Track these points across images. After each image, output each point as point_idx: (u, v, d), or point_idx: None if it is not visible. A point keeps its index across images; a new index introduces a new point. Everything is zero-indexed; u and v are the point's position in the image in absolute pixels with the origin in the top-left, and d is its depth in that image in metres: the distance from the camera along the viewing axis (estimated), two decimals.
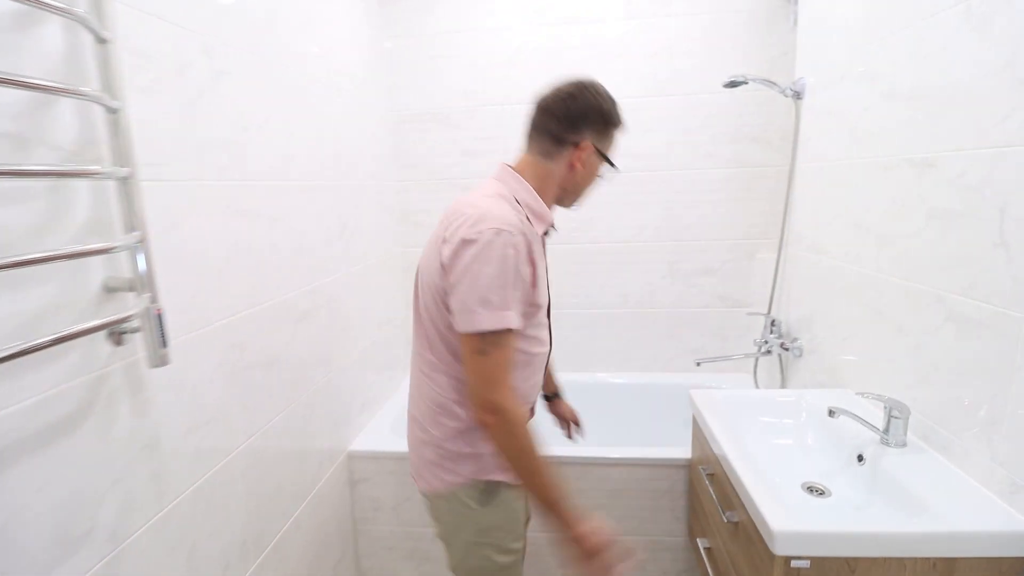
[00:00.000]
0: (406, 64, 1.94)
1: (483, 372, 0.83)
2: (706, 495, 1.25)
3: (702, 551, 1.25)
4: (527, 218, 0.89)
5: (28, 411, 0.64)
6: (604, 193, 1.92)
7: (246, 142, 1.08)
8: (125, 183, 0.71)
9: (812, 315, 1.54)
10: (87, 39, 0.70)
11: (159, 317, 0.75)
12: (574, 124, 0.90)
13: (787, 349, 1.62)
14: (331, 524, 1.47)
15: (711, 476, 1.21)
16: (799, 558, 0.85)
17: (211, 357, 0.98)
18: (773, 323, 1.68)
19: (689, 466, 1.45)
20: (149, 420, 0.83)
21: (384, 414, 1.81)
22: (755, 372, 1.84)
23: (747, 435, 1.22)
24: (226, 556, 1.02)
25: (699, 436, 1.33)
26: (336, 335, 1.49)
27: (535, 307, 0.91)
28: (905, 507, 0.93)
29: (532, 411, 1.03)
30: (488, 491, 0.96)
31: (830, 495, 1.09)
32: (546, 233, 0.96)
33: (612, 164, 0.96)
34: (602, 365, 2.06)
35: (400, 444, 1.59)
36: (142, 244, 0.72)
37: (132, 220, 0.72)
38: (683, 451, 1.46)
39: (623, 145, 1.86)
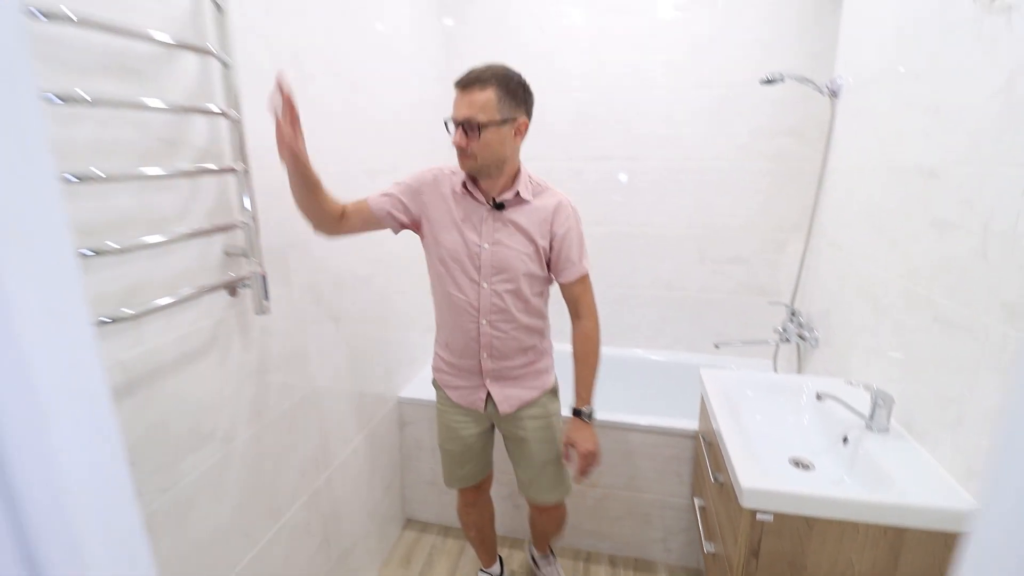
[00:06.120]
0: (460, 43, 2.08)
1: None
2: (702, 460, 1.41)
3: (697, 509, 1.42)
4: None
5: (175, 342, 0.90)
6: (642, 181, 2.04)
7: (320, 138, 1.30)
8: (244, 176, 0.93)
9: (830, 308, 1.62)
10: (215, 65, 0.92)
11: (263, 277, 0.99)
12: None
13: (804, 339, 1.71)
14: (383, 456, 1.75)
15: (709, 445, 1.37)
16: (763, 512, 1.00)
17: (295, 311, 1.22)
18: (793, 313, 1.77)
19: (695, 437, 1.60)
20: (252, 356, 1.09)
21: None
22: (775, 359, 1.93)
23: (748, 412, 1.35)
24: (303, 467, 1.29)
25: (704, 410, 1.48)
26: (391, 297, 1.73)
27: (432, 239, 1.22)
28: (874, 482, 1.05)
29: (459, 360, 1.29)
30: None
31: (814, 469, 1.22)
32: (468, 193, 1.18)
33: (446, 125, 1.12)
34: (630, 341, 2.21)
35: None
36: (254, 222, 0.96)
37: (248, 206, 0.95)
38: (692, 423, 1.61)
39: (661, 135, 1.96)
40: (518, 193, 1.16)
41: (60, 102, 0.63)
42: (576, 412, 1.27)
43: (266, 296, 1.01)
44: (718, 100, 1.90)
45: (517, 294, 1.19)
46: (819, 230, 1.71)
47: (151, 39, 0.76)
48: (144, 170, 0.78)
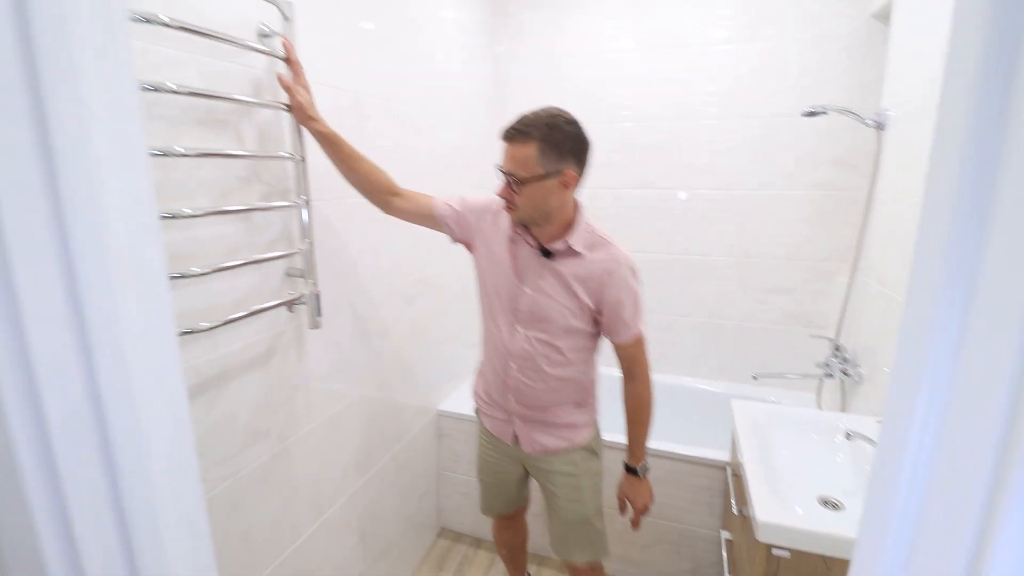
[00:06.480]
0: (510, 73, 2.20)
1: None
2: (728, 492, 1.40)
3: (723, 541, 1.41)
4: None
5: (240, 350, 1.04)
6: (685, 208, 2.06)
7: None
8: (306, 207, 1.07)
9: (876, 344, 1.56)
10: (285, 117, 1.07)
11: (317, 296, 1.12)
12: None
13: (848, 375, 1.66)
14: (420, 465, 1.85)
15: (735, 477, 1.36)
16: (780, 548, 1.00)
17: (344, 327, 1.35)
18: (837, 348, 1.72)
19: (726, 468, 1.59)
20: (305, 365, 1.22)
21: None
22: (819, 393, 1.87)
23: (777, 446, 1.34)
24: (345, 469, 1.41)
25: (734, 441, 1.47)
26: (434, 315, 1.85)
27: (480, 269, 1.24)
28: None
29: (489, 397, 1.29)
30: None
31: (843, 509, 1.19)
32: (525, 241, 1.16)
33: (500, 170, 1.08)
34: (670, 368, 2.21)
35: None
36: (311, 248, 1.09)
37: (307, 234, 1.08)
38: (724, 454, 1.60)
39: (705, 163, 1.98)
40: (570, 245, 1.10)
41: (161, 154, 0.78)
42: (630, 469, 1.27)
43: (319, 312, 1.14)
44: (764, 129, 1.90)
45: (551, 345, 1.15)
46: (865, 263, 1.66)
47: (235, 100, 0.91)
48: (224, 207, 0.93)
